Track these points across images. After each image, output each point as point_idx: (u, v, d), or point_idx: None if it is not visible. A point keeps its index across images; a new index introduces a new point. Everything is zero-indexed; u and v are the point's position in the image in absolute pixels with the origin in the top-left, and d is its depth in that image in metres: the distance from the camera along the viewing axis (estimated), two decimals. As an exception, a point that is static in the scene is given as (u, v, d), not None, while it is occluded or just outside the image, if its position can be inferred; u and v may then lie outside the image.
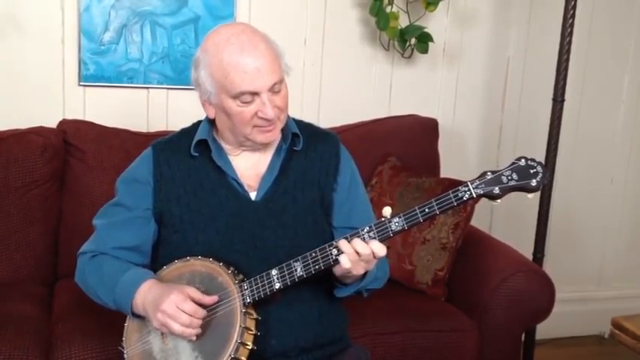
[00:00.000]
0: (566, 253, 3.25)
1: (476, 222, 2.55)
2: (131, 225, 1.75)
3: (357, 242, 1.55)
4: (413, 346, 2.24)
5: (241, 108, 1.64)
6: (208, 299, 1.61)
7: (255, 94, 1.63)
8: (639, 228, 3.40)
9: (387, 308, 2.28)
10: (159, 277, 1.70)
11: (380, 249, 1.55)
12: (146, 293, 1.63)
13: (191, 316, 1.57)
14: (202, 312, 1.60)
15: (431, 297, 2.42)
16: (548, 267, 2.76)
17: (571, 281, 3.23)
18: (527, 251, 2.66)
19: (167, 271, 1.70)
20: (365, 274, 1.65)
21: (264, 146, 1.74)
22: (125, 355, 1.70)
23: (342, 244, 1.55)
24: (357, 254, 1.55)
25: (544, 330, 2.81)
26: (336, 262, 1.57)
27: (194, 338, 1.61)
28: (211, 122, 1.78)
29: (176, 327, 1.57)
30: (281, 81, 1.67)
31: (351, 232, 1.58)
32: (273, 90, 1.65)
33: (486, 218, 3.05)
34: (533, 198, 1.57)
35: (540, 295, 2.31)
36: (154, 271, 1.72)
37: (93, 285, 1.74)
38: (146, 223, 1.75)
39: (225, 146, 1.76)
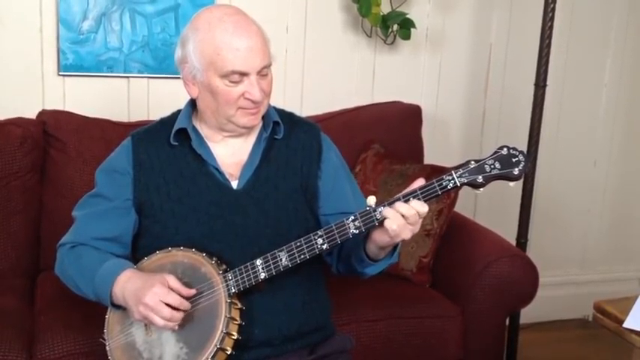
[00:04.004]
0: (550, 238, 3.27)
1: (460, 208, 2.56)
2: (111, 215, 1.73)
3: (399, 205, 1.52)
4: (398, 332, 2.25)
5: (229, 88, 1.63)
6: (186, 291, 1.59)
7: (244, 74, 1.62)
8: (622, 211, 3.42)
9: (372, 295, 2.28)
10: (139, 269, 1.68)
11: (421, 206, 1.52)
12: (125, 283, 1.62)
13: (175, 309, 1.56)
14: (186, 304, 1.58)
15: (415, 283, 2.43)
16: (532, 251, 2.78)
17: (554, 265, 3.25)
18: (511, 236, 2.67)
19: (148, 262, 1.69)
20: (396, 247, 1.65)
21: (244, 131, 1.73)
22: (107, 348, 1.69)
23: (387, 210, 1.52)
24: (403, 217, 1.51)
25: (528, 314, 2.82)
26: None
27: (176, 328, 1.59)
28: (191, 110, 1.76)
29: (158, 320, 1.56)
30: (269, 66, 1.67)
31: (336, 223, 1.57)
32: (261, 73, 1.65)
33: (470, 204, 3.06)
34: (516, 184, 1.58)
35: (524, 280, 2.32)
36: (135, 262, 1.71)
37: (73, 276, 1.73)
38: (126, 214, 1.74)
39: (206, 132, 1.75)
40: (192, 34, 1.66)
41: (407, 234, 1.54)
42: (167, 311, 1.56)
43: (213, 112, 1.69)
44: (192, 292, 1.60)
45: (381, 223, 1.54)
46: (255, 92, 1.63)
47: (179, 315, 1.57)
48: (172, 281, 1.59)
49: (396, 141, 2.73)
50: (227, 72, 1.62)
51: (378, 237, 1.58)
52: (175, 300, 1.56)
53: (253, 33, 1.64)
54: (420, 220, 1.55)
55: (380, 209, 1.54)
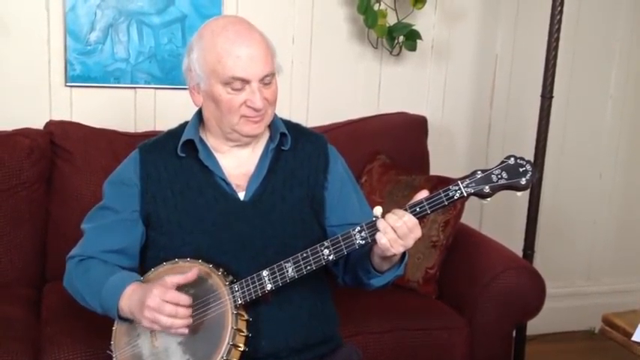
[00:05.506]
0: (556, 249, 3.26)
1: (466, 219, 2.55)
2: (118, 228, 1.74)
3: (388, 216, 1.52)
4: (404, 344, 2.24)
5: (230, 95, 1.64)
6: (189, 275, 1.57)
7: (246, 81, 1.63)
8: (628, 223, 3.41)
9: (378, 307, 2.28)
10: (146, 280, 1.68)
11: (402, 213, 1.53)
12: (131, 296, 1.62)
13: (175, 304, 1.54)
14: (185, 298, 1.56)
15: (422, 295, 2.43)
16: (538, 262, 2.78)
17: (560, 277, 3.24)
18: (517, 247, 2.67)
19: (155, 273, 1.69)
20: (402, 258, 1.65)
21: (249, 140, 1.73)
22: (114, 359, 1.69)
23: (380, 222, 1.52)
24: (394, 230, 1.52)
25: (534, 326, 2.81)
26: (373, 241, 1.55)
27: (186, 332, 1.57)
28: (198, 122, 1.77)
29: (163, 320, 1.54)
30: (272, 74, 1.67)
31: (343, 233, 1.57)
32: (264, 82, 1.65)
33: (476, 215, 3.06)
34: (523, 194, 1.57)
35: (531, 292, 2.32)
36: (142, 274, 1.71)
37: (80, 289, 1.73)
38: (133, 226, 1.74)
39: (212, 143, 1.75)
40: (196, 42, 1.67)
41: (398, 248, 1.54)
42: (170, 307, 1.54)
43: (217, 121, 1.70)
44: (194, 272, 1.57)
45: None
46: (256, 100, 1.63)
47: (183, 310, 1.55)
48: (171, 278, 1.57)
49: (401, 152, 2.72)
50: (228, 79, 1.62)
51: (375, 248, 1.59)
52: (173, 295, 1.54)
53: (255, 41, 1.64)
54: (413, 235, 1.54)
55: (385, 220, 1.55)
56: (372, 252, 1.63)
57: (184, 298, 1.57)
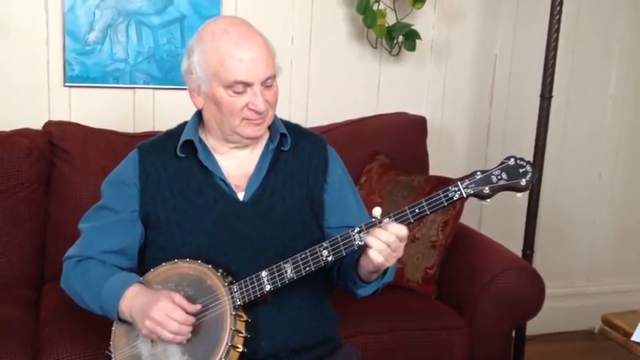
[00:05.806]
0: (555, 249, 3.26)
1: (465, 219, 2.55)
2: (117, 228, 1.73)
3: (379, 232, 1.51)
4: (404, 344, 2.24)
5: (232, 98, 1.63)
6: (191, 308, 1.59)
7: (248, 84, 1.62)
8: (627, 223, 3.41)
9: (378, 307, 2.27)
10: (145, 280, 1.68)
11: (400, 229, 1.52)
12: (132, 299, 1.62)
13: (181, 323, 1.56)
14: (191, 319, 1.58)
15: (421, 295, 2.42)
16: (537, 262, 2.77)
17: (560, 277, 3.24)
18: (516, 247, 2.67)
19: (154, 274, 1.69)
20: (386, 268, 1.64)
21: (249, 142, 1.73)
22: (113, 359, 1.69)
23: (370, 239, 1.52)
24: (387, 245, 1.51)
25: (534, 325, 2.81)
26: (353, 251, 1.55)
27: (185, 342, 1.59)
28: (197, 122, 1.77)
29: (166, 334, 1.56)
30: (274, 77, 1.67)
31: (342, 234, 1.57)
32: (266, 84, 1.65)
33: (475, 215, 3.05)
34: (523, 195, 1.57)
35: (530, 293, 2.31)
36: (141, 274, 1.71)
37: (79, 290, 1.73)
38: (132, 226, 1.73)
39: (212, 144, 1.75)
40: (197, 44, 1.66)
41: (391, 261, 1.54)
42: (175, 325, 1.55)
43: (218, 123, 1.69)
44: (197, 307, 1.60)
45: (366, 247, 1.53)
46: (258, 103, 1.63)
47: (187, 329, 1.57)
48: (177, 298, 1.58)
49: (401, 152, 2.72)
50: (230, 82, 1.62)
51: (364, 263, 1.60)
52: (181, 316, 1.56)
53: (257, 43, 1.64)
54: (403, 244, 1.54)
55: (385, 220, 1.54)
56: (359, 265, 1.63)
57: (191, 319, 1.57)
